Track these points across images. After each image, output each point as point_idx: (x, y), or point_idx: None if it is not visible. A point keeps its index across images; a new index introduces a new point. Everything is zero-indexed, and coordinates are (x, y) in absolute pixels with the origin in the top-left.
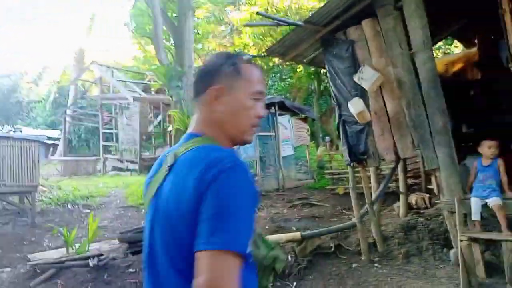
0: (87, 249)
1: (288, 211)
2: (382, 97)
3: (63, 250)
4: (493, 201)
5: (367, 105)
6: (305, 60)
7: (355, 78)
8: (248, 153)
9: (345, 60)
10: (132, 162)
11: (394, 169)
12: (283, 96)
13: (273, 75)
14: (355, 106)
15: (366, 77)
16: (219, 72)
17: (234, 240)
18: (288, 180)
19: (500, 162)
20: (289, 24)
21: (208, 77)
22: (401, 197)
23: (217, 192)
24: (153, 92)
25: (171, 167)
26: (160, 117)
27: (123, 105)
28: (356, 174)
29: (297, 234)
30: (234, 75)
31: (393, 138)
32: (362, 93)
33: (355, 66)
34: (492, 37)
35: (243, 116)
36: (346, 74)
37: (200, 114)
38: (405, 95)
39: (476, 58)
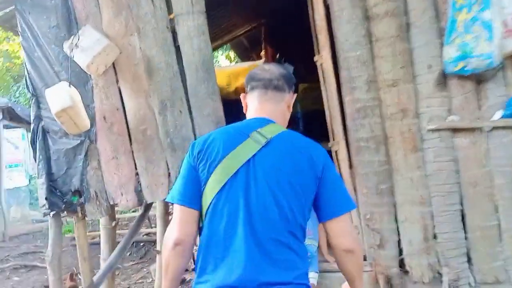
0: None
1: None
2: (119, 89)
3: None
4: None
5: (89, 101)
6: None
7: (66, 47)
8: None
9: (51, 13)
10: None
11: (143, 218)
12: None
13: None
14: (57, 98)
15: (86, 46)
16: (294, 83)
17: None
18: (15, 224)
19: None
20: None
21: (291, 82)
22: (159, 257)
23: (331, 169)
24: None
25: (267, 142)
26: None
27: None
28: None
29: None
30: (293, 90)
31: (136, 165)
32: (81, 78)
33: (71, 27)
34: (278, 55)
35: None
36: (52, 40)
37: (276, 106)
38: (158, 88)
39: None
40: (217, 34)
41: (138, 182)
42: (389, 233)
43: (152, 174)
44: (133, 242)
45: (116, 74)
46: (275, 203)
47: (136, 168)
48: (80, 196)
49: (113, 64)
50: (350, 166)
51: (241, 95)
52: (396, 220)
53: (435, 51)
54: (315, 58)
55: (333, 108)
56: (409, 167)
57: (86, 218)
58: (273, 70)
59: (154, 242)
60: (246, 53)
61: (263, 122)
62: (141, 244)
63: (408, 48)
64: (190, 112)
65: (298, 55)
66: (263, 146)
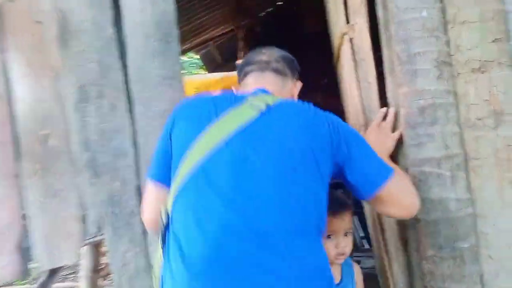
0: None
1: None
2: (5, 74)
3: None
4: None
5: None
6: None
7: None
8: None
9: None
10: None
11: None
12: None
13: None
14: None
15: None
16: (298, 70)
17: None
18: None
19: (357, 269)
20: None
21: (294, 68)
22: None
23: (353, 136)
24: None
25: (268, 109)
26: None
27: None
28: None
29: None
30: (297, 78)
31: (22, 199)
32: None
33: None
34: None
35: None
36: None
37: (276, 88)
38: (77, 65)
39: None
40: (186, 35)
41: (26, 231)
42: None
43: (54, 216)
44: None
45: (2, 37)
46: (285, 191)
47: (22, 207)
48: None
49: None
50: None
51: (232, 88)
52: None
53: None
54: (344, 29)
55: (372, 107)
56: (508, 211)
57: None
58: (271, 52)
59: None
60: (219, 69)
61: (259, 92)
62: None
63: (504, 10)
64: (131, 108)
65: None
66: (262, 113)
